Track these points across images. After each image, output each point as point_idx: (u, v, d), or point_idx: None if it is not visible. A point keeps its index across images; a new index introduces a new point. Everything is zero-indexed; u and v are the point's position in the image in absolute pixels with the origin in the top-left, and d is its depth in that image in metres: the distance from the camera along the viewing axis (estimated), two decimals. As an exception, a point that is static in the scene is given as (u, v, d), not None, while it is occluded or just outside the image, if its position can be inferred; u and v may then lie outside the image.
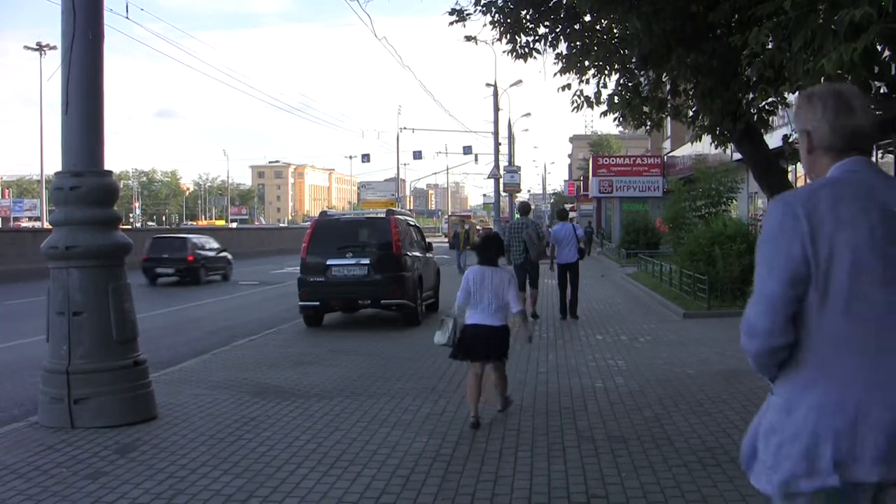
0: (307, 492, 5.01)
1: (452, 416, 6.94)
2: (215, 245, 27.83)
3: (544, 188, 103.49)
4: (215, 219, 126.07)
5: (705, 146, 17.23)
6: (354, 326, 13.68)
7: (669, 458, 5.65)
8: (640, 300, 17.73)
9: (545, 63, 8.94)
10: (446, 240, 47.37)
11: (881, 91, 5.70)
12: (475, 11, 8.64)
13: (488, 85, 40.97)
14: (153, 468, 5.51)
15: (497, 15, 8.50)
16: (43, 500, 4.91)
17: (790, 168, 12.48)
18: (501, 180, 40.69)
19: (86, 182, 6.94)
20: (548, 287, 17.45)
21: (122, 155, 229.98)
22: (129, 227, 64.74)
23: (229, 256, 28.39)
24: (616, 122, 9.41)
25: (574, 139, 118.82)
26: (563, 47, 8.59)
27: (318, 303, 13.26)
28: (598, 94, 8.74)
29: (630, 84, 8.70)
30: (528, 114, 63.96)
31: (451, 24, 8.87)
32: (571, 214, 18.92)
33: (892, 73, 5.24)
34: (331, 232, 13.69)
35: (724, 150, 12.03)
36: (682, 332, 12.13)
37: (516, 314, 6.99)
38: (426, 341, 11.48)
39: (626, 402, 7.46)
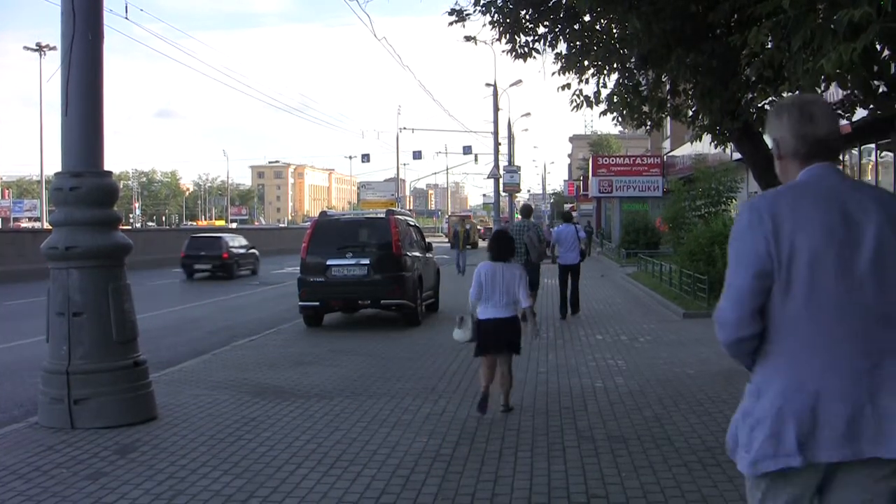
0: (307, 492, 5.01)
1: (452, 416, 6.95)
2: (244, 242, 30.39)
3: (544, 188, 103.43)
4: (215, 219, 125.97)
5: (705, 146, 17.23)
6: (354, 326, 13.68)
7: (669, 458, 5.65)
8: (640, 300, 17.74)
9: (545, 63, 8.93)
10: (446, 239, 47.34)
11: (881, 90, 5.70)
12: (475, 11, 8.63)
13: (488, 85, 40.93)
14: (153, 469, 5.51)
15: (496, 15, 8.49)
16: (43, 500, 4.91)
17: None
18: (501, 180, 40.66)
19: (85, 182, 6.94)
20: (548, 287, 17.46)
21: (121, 155, 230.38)
22: (129, 227, 64.75)
23: (257, 253, 30.88)
24: (615, 121, 9.40)
25: (574, 139, 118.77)
26: (562, 47, 8.58)
27: (317, 303, 13.26)
28: (597, 93, 8.74)
29: (629, 84, 8.70)
30: (528, 114, 63.96)
31: (451, 24, 8.87)
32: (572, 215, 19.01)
33: (892, 72, 5.23)
34: (331, 232, 13.70)
35: (724, 150, 12.04)
36: (682, 332, 12.13)
37: (525, 309, 7.19)
38: (426, 341, 11.52)
39: (626, 402, 7.46)
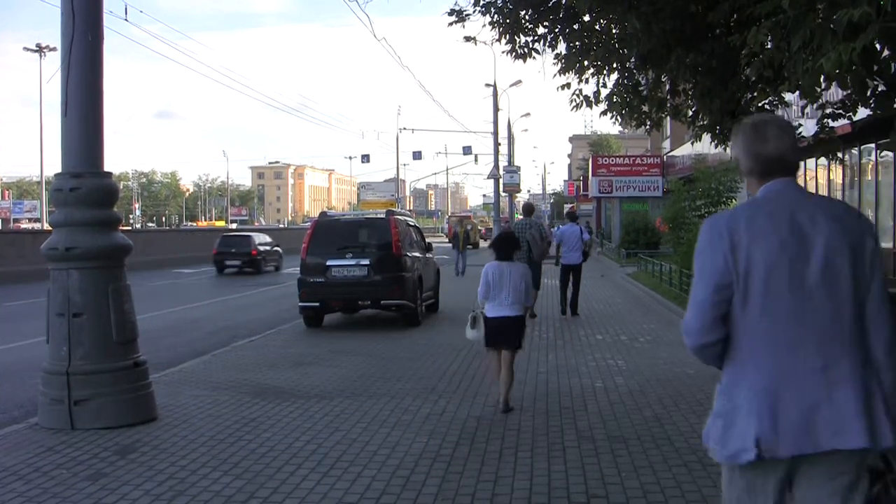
0: (307, 493, 5.01)
1: (452, 417, 6.95)
2: (269, 240, 32.86)
3: (544, 188, 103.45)
4: (215, 219, 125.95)
5: (705, 146, 17.22)
6: (354, 327, 13.68)
7: (669, 458, 5.65)
8: (640, 300, 17.74)
9: (544, 63, 8.95)
10: (447, 239, 47.30)
11: (880, 90, 5.70)
12: (474, 12, 8.64)
13: (488, 85, 40.89)
14: (153, 469, 5.51)
15: (496, 15, 8.50)
16: (43, 501, 4.91)
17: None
18: (501, 180, 40.61)
19: (85, 183, 6.94)
20: (548, 287, 17.46)
21: (121, 156, 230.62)
22: (129, 228, 64.72)
23: (280, 250, 33.08)
24: (615, 121, 9.41)
25: (574, 139, 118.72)
26: (562, 47, 8.59)
27: (317, 303, 13.24)
28: (597, 93, 8.75)
29: (629, 84, 8.71)
30: (528, 114, 64.07)
31: (451, 24, 8.88)
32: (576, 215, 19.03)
33: (892, 72, 5.24)
34: (331, 232, 13.69)
35: (724, 150, 12.03)
36: (682, 332, 12.10)
37: (528, 306, 7.59)
38: (426, 342, 11.52)
39: (626, 402, 7.46)
